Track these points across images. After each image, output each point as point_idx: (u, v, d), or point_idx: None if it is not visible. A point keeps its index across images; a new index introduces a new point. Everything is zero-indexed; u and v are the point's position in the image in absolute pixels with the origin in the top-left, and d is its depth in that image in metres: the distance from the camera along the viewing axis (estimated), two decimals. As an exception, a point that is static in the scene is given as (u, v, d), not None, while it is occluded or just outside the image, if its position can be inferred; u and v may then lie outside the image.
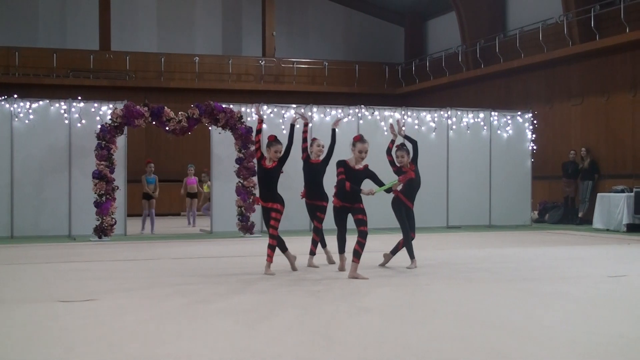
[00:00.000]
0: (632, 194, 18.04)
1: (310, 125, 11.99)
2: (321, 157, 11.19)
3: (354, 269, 9.76)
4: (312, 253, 11.20)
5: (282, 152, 10.37)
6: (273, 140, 10.31)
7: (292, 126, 10.80)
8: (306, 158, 11.18)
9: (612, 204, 18.50)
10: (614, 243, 15.35)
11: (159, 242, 15.89)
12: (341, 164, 9.86)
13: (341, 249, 10.46)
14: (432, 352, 5.74)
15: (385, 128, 18.28)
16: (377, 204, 17.88)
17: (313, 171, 11.10)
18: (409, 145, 11.02)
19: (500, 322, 6.86)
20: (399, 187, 10.59)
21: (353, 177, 9.80)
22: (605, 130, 21.28)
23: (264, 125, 17.69)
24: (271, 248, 10.28)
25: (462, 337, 6.23)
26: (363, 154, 9.88)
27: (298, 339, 6.18)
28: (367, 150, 9.93)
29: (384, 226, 17.53)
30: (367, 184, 10.02)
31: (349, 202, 9.93)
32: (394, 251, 11.13)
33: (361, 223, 9.86)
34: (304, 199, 11.33)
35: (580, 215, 20.93)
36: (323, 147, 11.22)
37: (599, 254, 13.16)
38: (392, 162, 10.96)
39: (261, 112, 11.17)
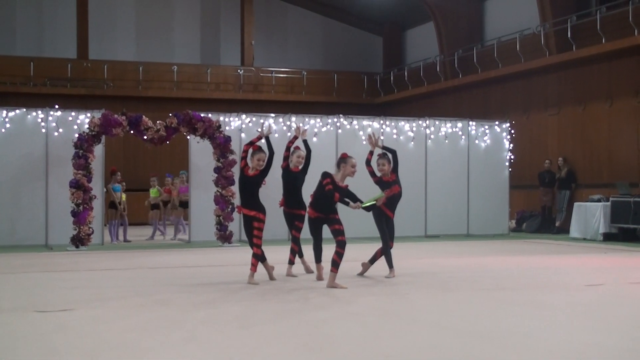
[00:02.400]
0: (609, 203, 18.17)
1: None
2: (300, 167, 11.20)
3: (332, 279, 9.75)
4: (291, 262, 11.18)
5: (265, 162, 10.40)
6: (257, 149, 10.35)
7: (267, 137, 10.86)
8: (286, 167, 11.19)
9: (589, 213, 18.62)
10: (590, 252, 15.44)
11: (137, 251, 15.80)
12: (328, 175, 9.88)
13: (318, 258, 10.51)
14: (407, 357, 5.77)
15: (363, 138, 18.28)
16: (355, 213, 17.90)
17: (292, 180, 11.10)
18: (389, 155, 11.04)
19: (478, 331, 6.89)
20: (383, 201, 10.57)
21: (338, 192, 9.84)
22: (581, 140, 21.42)
23: (242, 135, 17.76)
24: (256, 257, 10.29)
25: (442, 346, 6.25)
26: (355, 168, 10.04)
27: (278, 348, 6.17)
28: (303, 156, 10.87)
29: (362, 235, 17.54)
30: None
31: (324, 212, 9.95)
32: (372, 260, 11.13)
33: (338, 233, 9.87)
34: (282, 208, 11.34)
35: (557, 224, 21.04)
36: (303, 158, 11.22)
37: (576, 263, 13.23)
38: (372, 173, 10.97)
39: (268, 133, 11.15)
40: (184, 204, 19.00)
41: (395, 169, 10.96)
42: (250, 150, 10.45)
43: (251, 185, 10.32)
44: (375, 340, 6.54)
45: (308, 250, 11.02)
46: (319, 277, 10.50)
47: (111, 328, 7.04)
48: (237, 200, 17.01)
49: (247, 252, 13.42)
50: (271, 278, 10.58)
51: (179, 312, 7.92)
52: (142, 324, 7.24)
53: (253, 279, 10.22)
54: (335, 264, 9.76)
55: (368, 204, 10.11)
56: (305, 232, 10.97)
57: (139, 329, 7.03)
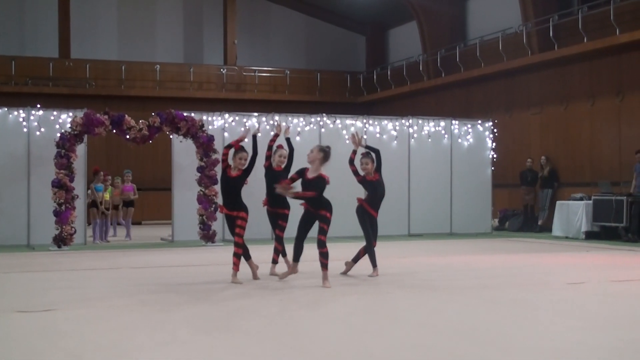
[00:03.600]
0: (591, 201, 18.25)
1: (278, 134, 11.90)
2: (283, 166, 11.19)
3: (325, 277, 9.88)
4: (275, 262, 11.17)
5: (247, 162, 10.39)
6: (239, 148, 10.33)
7: (255, 137, 10.84)
8: (268, 166, 11.17)
9: (571, 212, 18.70)
10: (573, 250, 15.52)
11: (120, 251, 15.75)
12: (299, 171, 10.01)
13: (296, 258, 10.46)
14: (395, 358, 5.78)
15: (347, 137, 18.29)
16: (338, 212, 17.91)
17: (275, 179, 11.05)
18: (373, 155, 11.04)
19: (460, 330, 6.91)
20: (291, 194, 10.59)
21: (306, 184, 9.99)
22: (564, 139, 21.52)
23: (226, 134, 17.73)
24: (237, 256, 10.28)
25: (424, 345, 6.26)
26: (282, 157, 10.90)
27: (262, 348, 6.17)
28: (285, 155, 11.07)
29: (346, 235, 17.55)
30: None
31: (314, 207, 9.98)
32: (356, 259, 11.14)
33: (321, 231, 9.92)
34: (265, 207, 11.32)
35: (539, 222, 21.14)
36: (285, 158, 11.20)
37: (558, 262, 13.29)
38: (355, 172, 10.99)
39: (255, 133, 11.18)
40: (128, 203, 18.96)
41: (378, 168, 10.98)
42: (232, 150, 10.43)
43: (234, 185, 10.31)
44: (358, 339, 6.54)
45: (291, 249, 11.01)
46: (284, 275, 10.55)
47: (94, 329, 7.01)
48: (220, 200, 17.03)
49: (230, 252, 13.43)
50: (255, 277, 10.56)
51: (162, 313, 7.90)
52: (125, 325, 7.22)
53: (236, 278, 10.21)
54: (324, 265, 9.88)
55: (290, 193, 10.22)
56: (289, 232, 10.97)
57: (122, 329, 7.01)
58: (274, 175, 11.03)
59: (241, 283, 10.10)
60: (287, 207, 11.13)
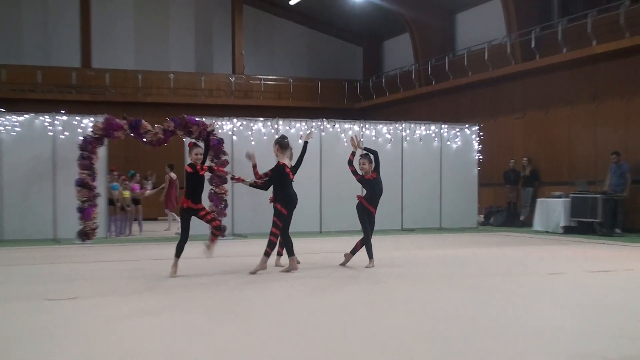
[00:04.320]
0: (569, 199, 18.29)
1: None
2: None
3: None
4: (279, 254, 11.21)
5: (295, 162, 10.68)
6: (192, 145, 10.32)
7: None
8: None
9: (551, 209, 18.73)
10: (552, 244, 15.54)
11: (138, 244, 15.79)
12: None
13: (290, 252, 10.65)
14: (390, 342, 5.82)
15: (345, 140, 18.36)
16: (339, 208, 17.97)
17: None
18: (371, 156, 11.08)
19: (449, 316, 6.95)
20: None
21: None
22: (544, 142, 21.54)
23: (234, 137, 17.77)
24: (218, 232, 10.59)
25: (417, 330, 6.31)
26: (197, 155, 10.65)
27: (268, 333, 6.22)
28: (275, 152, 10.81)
29: (346, 229, 17.62)
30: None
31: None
32: (354, 251, 11.17)
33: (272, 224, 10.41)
34: (271, 204, 11.32)
35: (522, 218, 21.17)
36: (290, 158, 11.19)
37: (538, 254, 13.30)
38: (354, 172, 11.04)
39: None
40: (136, 201, 18.90)
41: (377, 168, 11.03)
42: (188, 148, 10.40)
43: (201, 182, 10.32)
44: (357, 324, 6.59)
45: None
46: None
47: (115, 314, 7.05)
48: (229, 197, 17.08)
49: (240, 246, 13.50)
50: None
51: (177, 300, 7.95)
52: (143, 311, 7.27)
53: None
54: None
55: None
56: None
57: (141, 315, 7.06)
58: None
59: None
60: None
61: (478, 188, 20.72)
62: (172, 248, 10.41)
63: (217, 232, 10.57)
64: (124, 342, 5.86)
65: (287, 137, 10.76)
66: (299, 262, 10.77)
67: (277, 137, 10.76)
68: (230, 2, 31.61)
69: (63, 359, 5.34)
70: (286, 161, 10.51)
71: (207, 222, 10.46)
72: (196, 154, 10.16)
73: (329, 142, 18.64)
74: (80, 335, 6.15)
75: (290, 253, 10.53)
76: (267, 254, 10.31)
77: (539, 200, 19.51)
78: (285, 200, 10.41)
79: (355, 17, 30.78)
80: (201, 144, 10.58)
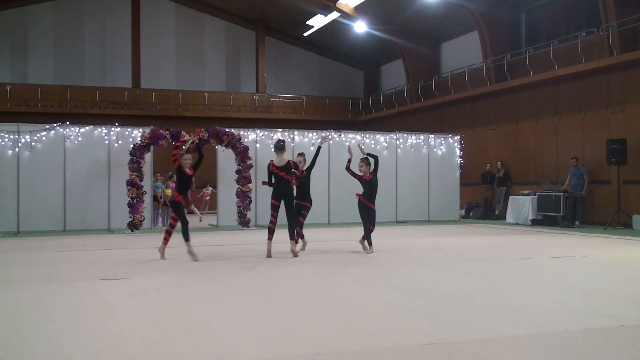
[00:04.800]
0: (536, 196, 18.21)
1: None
2: (304, 168, 11.06)
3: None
4: (296, 241, 11.11)
5: (307, 164, 10.55)
6: (181, 149, 10.27)
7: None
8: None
9: (520, 204, 18.66)
10: (522, 234, 15.47)
11: (177, 233, 15.73)
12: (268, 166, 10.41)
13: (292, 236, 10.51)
14: (383, 314, 5.77)
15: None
16: (341, 204, 17.93)
17: (301, 179, 10.97)
18: (371, 160, 10.98)
19: (435, 293, 6.90)
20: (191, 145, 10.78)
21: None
22: (515, 149, 21.45)
23: (257, 145, 17.74)
24: (169, 235, 10.18)
25: (409, 305, 6.26)
26: (187, 161, 10.65)
27: (281, 307, 6.19)
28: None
29: (346, 221, 17.57)
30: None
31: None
32: (366, 239, 11.04)
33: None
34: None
35: (496, 212, 21.08)
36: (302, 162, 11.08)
37: (510, 242, 13.27)
38: (353, 174, 10.94)
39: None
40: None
41: (375, 170, 10.94)
42: (180, 153, 10.16)
43: (189, 182, 10.17)
44: (357, 301, 6.55)
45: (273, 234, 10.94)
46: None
47: (159, 292, 7.04)
48: (253, 195, 17.05)
49: (262, 235, 13.46)
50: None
51: (209, 280, 7.93)
52: (182, 289, 7.25)
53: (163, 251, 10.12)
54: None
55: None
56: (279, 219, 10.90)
57: (181, 293, 7.04)
58: (299, 177, 10.93)
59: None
60: (310, 201, 11.12)
61: (460, 187, 20.65)
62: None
63: (168, 234, 10.21)
64: (167, 315, 5.82)
65: (283, 141, 10.62)
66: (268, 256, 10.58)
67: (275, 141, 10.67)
68: (255, 34, 31.63)
69: (118, 331, 5.30)
70: (277, 160, 10.35)
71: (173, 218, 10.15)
72: (185, 159, 10.03)
73: (335, 149, 18.60)
74: (128, 309, 6.12)
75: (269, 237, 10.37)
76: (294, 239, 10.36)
77: (511, 197, 19.43)
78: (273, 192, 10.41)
79: (357, 46, 30.75)
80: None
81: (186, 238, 9.90)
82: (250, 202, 16.85)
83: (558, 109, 19.62)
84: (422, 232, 15.93)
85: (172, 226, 10.23)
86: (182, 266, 9.28)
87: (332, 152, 18.53)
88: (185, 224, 9.94)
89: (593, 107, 18.36)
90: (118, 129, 16.88)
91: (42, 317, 5.76)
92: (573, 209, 17.51)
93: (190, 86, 30.30)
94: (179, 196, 10.03)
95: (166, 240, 10.18)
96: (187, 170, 10.02)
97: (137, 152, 15.99)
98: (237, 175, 16.79)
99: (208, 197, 22.13)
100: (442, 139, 20.52)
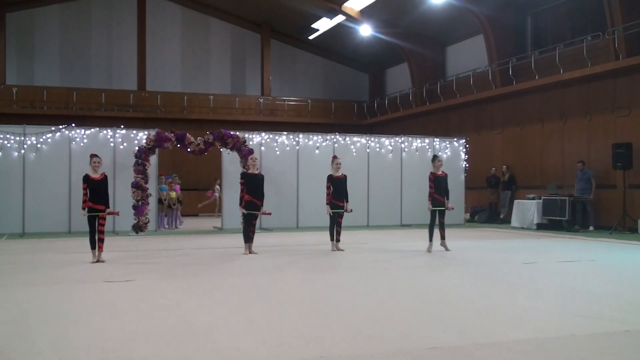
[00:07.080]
0: (541, 201, 18.16)
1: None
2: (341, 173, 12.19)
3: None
4: (335, 240, 11.96)
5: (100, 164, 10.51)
6: (93, 155, 10.57)
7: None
8: (330, 175, 12.08)
9: (526, 208, 18.62)
10: (527, 238, 15.43)
11: (182, 236, 15.81)
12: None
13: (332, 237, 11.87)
14: (388, 317, 5.76)
15: (354, 150, 18.38)
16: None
17: (340, 184, 11.99)
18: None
19: (441, 296, 6.89)
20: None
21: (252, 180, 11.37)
22: (520, 153, 21.41)
23: (262, 148, 17.75)
24: (102, 241, 10.23)
25: (412, 308, 6.25)
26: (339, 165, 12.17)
27: (288, 305, 6.18)
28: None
29: (350, 224, 17.56)
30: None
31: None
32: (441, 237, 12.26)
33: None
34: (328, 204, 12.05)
35: (501, 216, 21.03)
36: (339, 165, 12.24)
37: (515, 246, 13.23)
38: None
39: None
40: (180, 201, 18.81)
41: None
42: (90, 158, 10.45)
43: (102, 187, 10.33)
44: (361, 304, 6.53)
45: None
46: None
47: (162, 294, 7.04)
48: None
49: (265, 238, 13.46)
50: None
51: (213, 280, 7.93)
52: (184, 291, 7.25)
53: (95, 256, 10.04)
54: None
55: None
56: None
57: (183, 294, 7.03)
58: (335, 181, 12.02)
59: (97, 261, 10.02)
60: (344, 202, 12.08)
61: (465, 191, 20.63)
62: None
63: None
64: (172, 317, 5.82)
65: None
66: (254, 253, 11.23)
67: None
68: (260, 37, 31.68)
69: (122, 333, 5.30)
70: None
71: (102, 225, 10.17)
72: (94, 163, 10.34)
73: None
74: (132, 309, 6.12)
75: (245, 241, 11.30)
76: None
77: (516, 201, 19.39)
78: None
79: (362, 49, 30.77)
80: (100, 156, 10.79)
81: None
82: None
83: (564, 113, 19.58)
84: (426, 236, 15.85)
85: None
86: (187, 269, 9.28)
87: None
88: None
89: (599, 111, 18.32)
90: (123, 131, 16.92)
91: (46, 318, 5.77)
92: (581, 213, 17.43)
93: (196, 89, 30.35)
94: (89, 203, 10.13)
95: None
96: (93, 175, 10.26)
97: (142, 155, 16.02)
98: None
99: (211, 197, 22.07)
100: (447, 142, 20.50)
